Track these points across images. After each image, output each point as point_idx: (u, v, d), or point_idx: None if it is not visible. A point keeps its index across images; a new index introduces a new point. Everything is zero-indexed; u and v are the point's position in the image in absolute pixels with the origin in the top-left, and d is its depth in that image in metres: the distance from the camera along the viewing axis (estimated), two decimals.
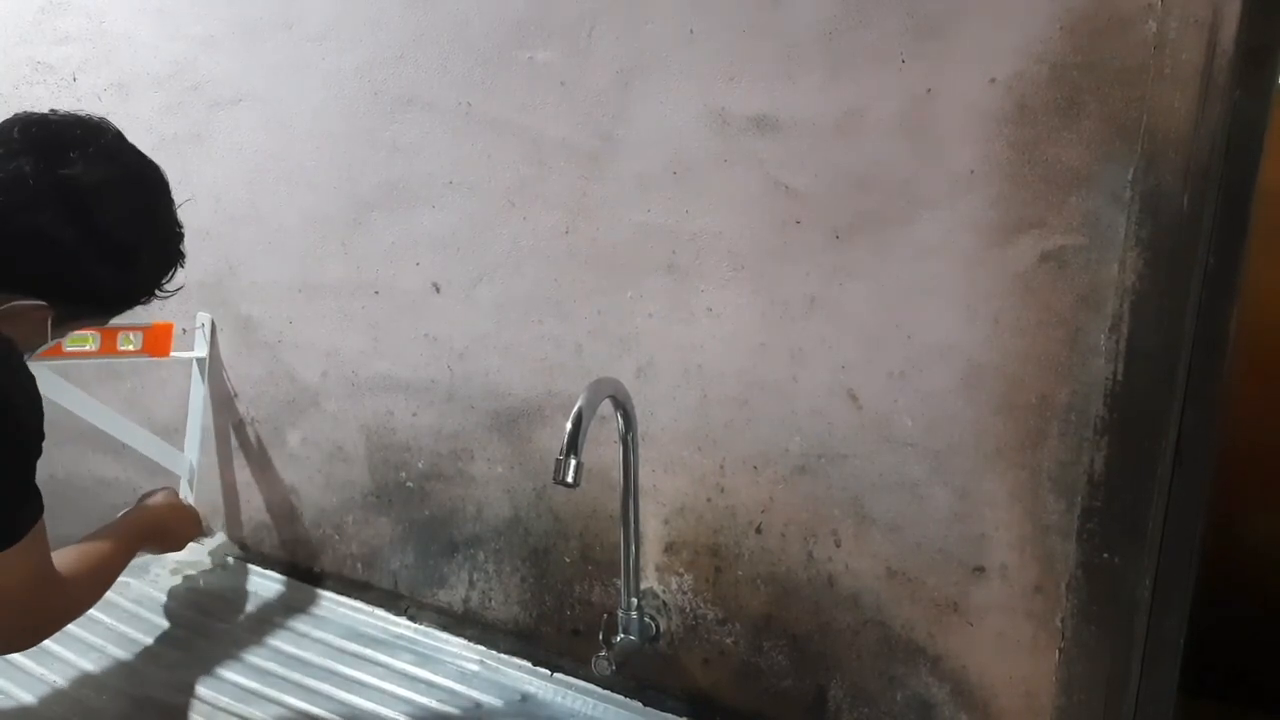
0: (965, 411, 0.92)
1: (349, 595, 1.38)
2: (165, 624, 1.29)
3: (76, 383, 1.41)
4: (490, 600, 1.27)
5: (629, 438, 1.05)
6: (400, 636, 1.29)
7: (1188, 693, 0.98)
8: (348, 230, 1.28)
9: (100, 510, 1.69)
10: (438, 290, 1.23)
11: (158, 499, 1.28)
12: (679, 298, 1.06)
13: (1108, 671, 0.89)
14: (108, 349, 1.37)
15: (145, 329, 1.38)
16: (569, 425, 0.92)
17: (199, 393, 1.46)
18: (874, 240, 0.94)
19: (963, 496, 0.94)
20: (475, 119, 1.15)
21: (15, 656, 1.19)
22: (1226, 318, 0.84)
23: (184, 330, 1.48)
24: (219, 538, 1.53)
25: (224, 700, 1.12)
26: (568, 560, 1.20)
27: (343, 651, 1.25)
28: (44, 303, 0.90)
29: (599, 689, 1.16)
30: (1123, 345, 0.84)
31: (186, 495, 1.50)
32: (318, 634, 1.28)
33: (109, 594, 1.34)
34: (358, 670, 1.20)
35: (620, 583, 1.11)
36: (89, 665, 1.18)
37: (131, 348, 1.38)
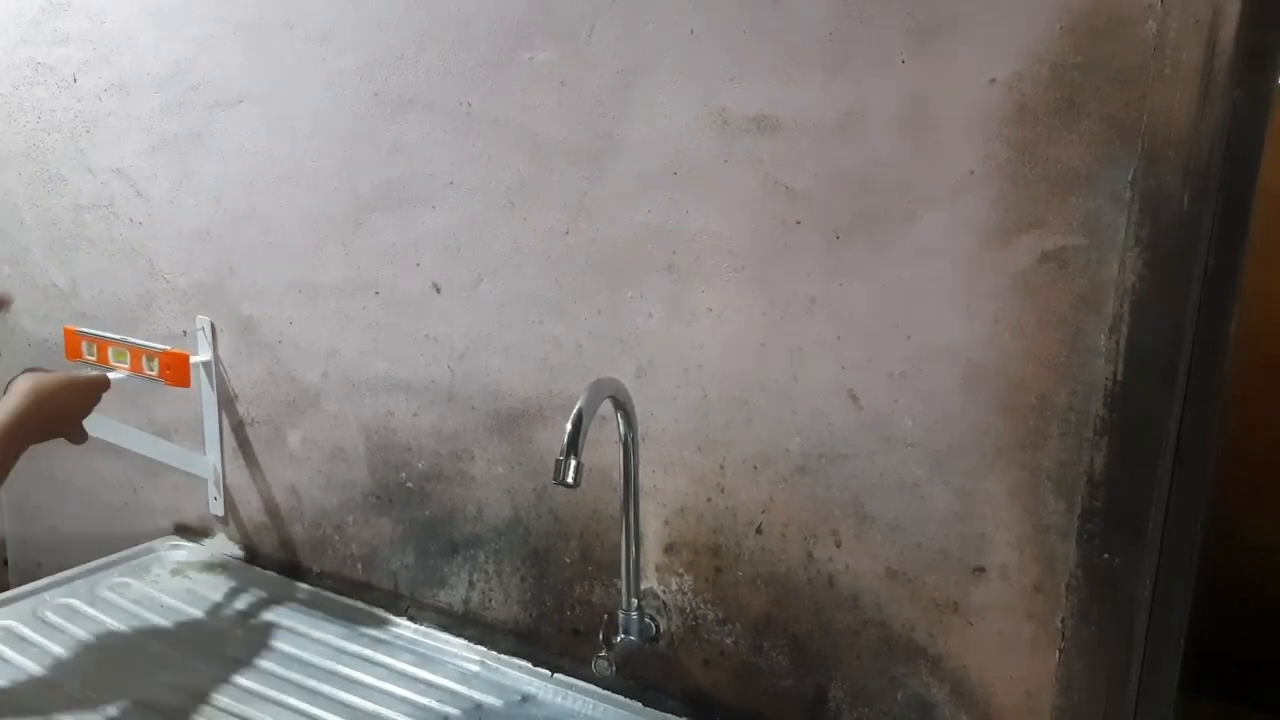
0: (965, 411, 0.92)
1: (349, 595, 1.38)
2: (165, 624, 1.29)
3: None
4: (490, 600, 1.27)
5: (629, 438, 1.05)
6: (400, 637, 1.29)
7: (1188, 692, 0.98)
8: (348, 230, 1.28)
9: (101, 510, 1.70)
10: (438, 290, 1.23)
11: (23, 383, 1.15)
12: (679, 298, 1.06)
13: (1108, 671, 0.89)
14: (135, 369, 1.39)
15: (160, 354, 1.39)
16: (569, 426, 0.92)
17: (210, 394, 1.46)
18: (874, 240, 0.94)
19: (963, 496, 0.94)
20: (476, 119, 1.15)
21: (14, 655, 1.19)
22: (1226, 318, 0.84)
23: (184, 333, 1.48)
24: (219, 538, 1.53)
25: (224, 700, 1.12)
26: (568, 561, 1.20)
27: (343, 652, 1.25)
28: None
29: (599, 689, 1.16)
30: (1123, 345, 0.84)
31: (213, 497, 1.50)
32: (318, 634, 1.28)
33: (108, 593, 1.36)
34: (358, 670, 1.20)
35: (620, 583, 1.11)
36: (89, 665, 1.19)
37: (153, 372, 1.39)
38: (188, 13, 1.36)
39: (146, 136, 1.45)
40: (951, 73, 0.88)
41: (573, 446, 0.91)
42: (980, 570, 0.94)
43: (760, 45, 0.96)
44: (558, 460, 0.91)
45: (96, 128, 1.51)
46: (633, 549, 1.09)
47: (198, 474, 1.49)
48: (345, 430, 1.36)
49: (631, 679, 1.15)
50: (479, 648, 1.26)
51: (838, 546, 1.01)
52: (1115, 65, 0.81)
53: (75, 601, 1.34)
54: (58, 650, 1.21)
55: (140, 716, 1.10)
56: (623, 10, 1.03)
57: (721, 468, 1.07)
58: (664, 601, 1.13)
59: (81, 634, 1.25)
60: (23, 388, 1.14)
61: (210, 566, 1.46)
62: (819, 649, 1.04)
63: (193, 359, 1.43)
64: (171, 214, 1.46)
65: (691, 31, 1.00)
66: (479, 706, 1.14)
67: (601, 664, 1.05)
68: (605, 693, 1.16)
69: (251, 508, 1.48)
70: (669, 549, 1.12)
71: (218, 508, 1.50)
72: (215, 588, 1.40)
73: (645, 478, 1.10)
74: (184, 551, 1.51)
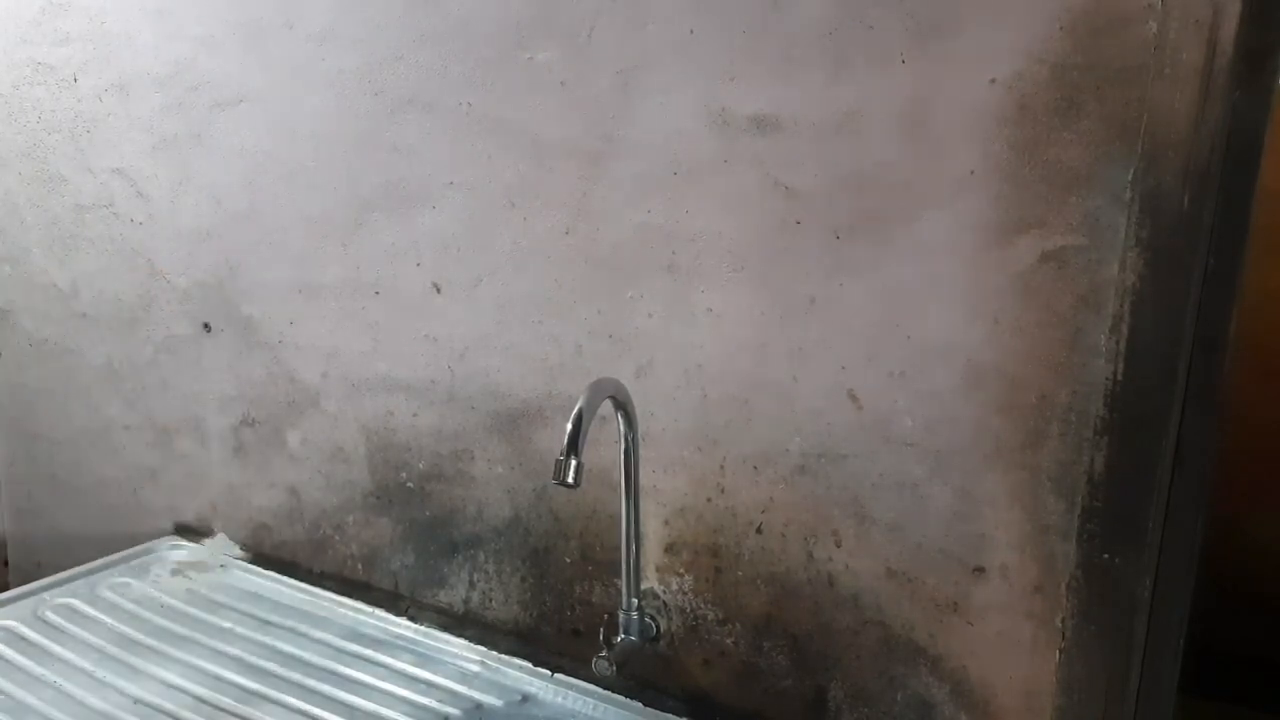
0: (965, 411, 0.92)
1: (349, 595, 1.38)
2: (165, 624, 1.29)
3: (78, 384, 1.41)
4: (490, 600, 1.27)
5: (629, 438, 1.05)
6: (400, 637, 1.29)
7: (1188, 693, 0.98)
8: (348, 230, 1.28)
9: (101, 510, 1.70)
10: (438, 290, 1.23)
11: None
12: (679, 298, 1.06)
13: (1108, 671, 0.89)
14: None
15: None
16: (569, 426, 0.92)
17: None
18: (874, 240, 0.94)
19: (963, 496, 0.94)
20: (475, 119, 1.15)
21: (14, 655, 1.19)
22: (1226, 318, 0.84)
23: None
24: (219, 538, 1.53)
25: (224, 700, 1.12)
26: (568, 560, 1.20)
27: (343, 652, 1.25)
28: None
29: (599, 689, 1.16)
30: (1123, 345, 0.84)
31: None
32: (318, 634, 1.28)
33: (108, 593, 1.36)
34: (358, 671, 1.20)
35: (620, 583, 1.11)
36: (89, 665, 1.18)
37: None
38: (188, 13, 1.36)
39: (146, 136, 1.45)
40: (951, 73, 0.88)
41: (573, 446, 0.91)
42: (980, 570, 0.94)
43: (760, 45, 0.96)
44: (558, 460, 0.91)
45: (97, 128, 1.51)
46: (633, 549, 1.09)
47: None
48: (345, 430, 1.36)
49: (631, 679, 1.15)
50: (479, 648, 1.26)
51: (838, 546, 1.01)
52: (1115, 65, 0.81)
53: (75, 601, 1.34)
54: (58, 650, 1.21)
55: (140, 717, 1.10)
56: (623, 10, 1.03)
57: (721, 468, 1.07)
58: (664, 601, 1.13)
59: (82, 633, 1.25)
60: None
61: (210, 566, 1.46)
62: (819, 649, 1.04)
63: None
64: (171, 214, 1.46)
65: (691, 31, 1.00)
66: (479, 706, 1.14)
67: (601, 664, 1.05)
68: (605, 693, 1.15)
69: (251, 507, 1.48)
70: (669, 549, 1.12)
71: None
72: (215, 588, 1.40)
73: (645, 478, 1.10)
74: (184, 551, 1.51)
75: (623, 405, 1.03)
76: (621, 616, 1.11)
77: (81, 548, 1.59)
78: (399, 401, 1.29)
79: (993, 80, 0.86)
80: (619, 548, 1.10)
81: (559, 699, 1.16)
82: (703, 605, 1.11)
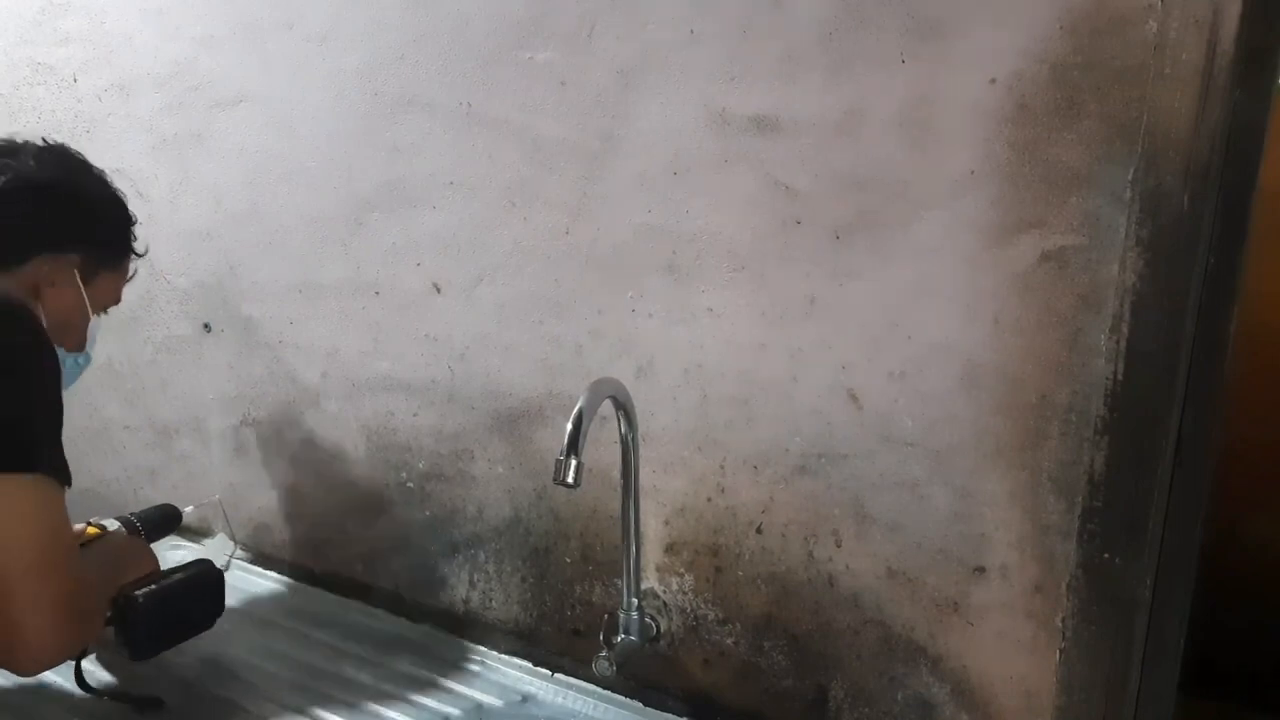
0: (965, 411, 0.92)
1: (349, 596, 1.38)
2: None
3: (78, 384, 1.41)
4: (491, 601, 1.27)
5: (629, 438, 1.05)
6: (401, 637, 1.29)
7: (1188, 693, 0.98)
8: (348, 230, 1.28)
9: (100, 510, 1.69)
10: (438, 290, 1.23)
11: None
12: (679, 298, 1.06)
13: (1108, 671, 0.89)
14: None
15: None
16: (569, 425, 0.92)
17: None
18: (874, 240, 0.94)
19: (963, 496, 0.94)
20: (475, 119, 1.15)
21: None
22: (1226, 318, 0.84)
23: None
24: (219, 538, 1.53)
25: (225, 701, 1.12)
26: (568, 560, 1.20)
27: (343, 652, 1.25)
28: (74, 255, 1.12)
29: (599, 689, 1.16)
30: (1123, 345, 0.84)
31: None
32: (318, 634, 1.28)
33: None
34: (358, 671, 1.20)
35: (621, 583, 1.11)
36: (88, 665, 1.18)
37: None
38: (188, 13, 1.36)
39: (146, 136, 1.45)
40: (951, 73, 0.88)
41: (573, 446, 0.91)
42: (980, 570, 0.94)
43: (760, 45, 0.96)
44: (558, 460, 0.91)
45: (97, 128, 1.51)
46: (633, 549, 1.09)
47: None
48: (345, 430, 1.36)
49: (631, 679, 1.15)
50: (479, 648, 1.26)
51: (838, 546, 1.01)
52: (1115, 65, 0.81)
53: None
54: None
55: (141, 717, 1.10)
56: (623, 10, 1.03)
57: (721, 468, 1.07)
58: (664, 601, 1.13)
59: None
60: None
61: None
62: (819, 649, 1.04)
63: None
64: (171, 214, 1.46)
65: (691, 31, 1.00)
66: (479, 706, 1.14)
67: (602, 664, 1.05)
68: (605, 693, 1.16)
69: (251, 507, 1.48)
70: (669, 549, 1.12)
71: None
72: None
73: (645, 478, 1.10)
74: (184, 552, 1.51)
75: (623, 405, 1.03)
76: (621, 616, 1.11)
77: None
78: (399, 401, 1.29)
79: (993, 80, 0.86)
80: (619, 548, 1.10)
81: (559, 699, 1.16)
82: (703, 605, 1.11)
